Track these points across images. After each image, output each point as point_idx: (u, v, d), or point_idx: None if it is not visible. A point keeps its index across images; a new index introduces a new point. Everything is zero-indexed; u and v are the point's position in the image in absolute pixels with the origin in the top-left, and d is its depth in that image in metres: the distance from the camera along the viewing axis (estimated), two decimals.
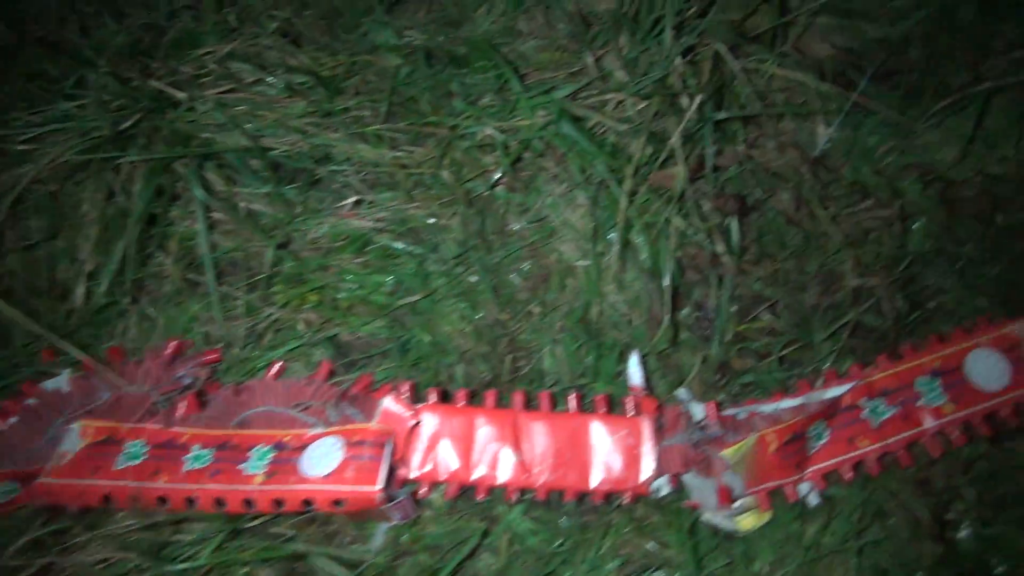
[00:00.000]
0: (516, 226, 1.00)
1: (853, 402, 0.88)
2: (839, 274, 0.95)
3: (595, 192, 0.96)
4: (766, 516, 0.86)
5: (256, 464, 0.81)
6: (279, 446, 0.83)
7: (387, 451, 0.81)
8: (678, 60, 0.90)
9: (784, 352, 0.94)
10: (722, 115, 0.90)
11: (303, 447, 0.83)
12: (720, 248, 0.92)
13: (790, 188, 0.96)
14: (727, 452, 0.83)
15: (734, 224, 0.95)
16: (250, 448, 0.83)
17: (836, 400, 0.88)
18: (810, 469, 0.86)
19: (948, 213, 0.96)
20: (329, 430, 0.83)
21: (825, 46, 1.07)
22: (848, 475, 0.86)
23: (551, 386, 0.94)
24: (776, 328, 0.96)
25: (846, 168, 0.99)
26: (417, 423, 0.85)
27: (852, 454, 0.86)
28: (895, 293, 0.95)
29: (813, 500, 0.87)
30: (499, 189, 1.00)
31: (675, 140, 0.86)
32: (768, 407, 0.90)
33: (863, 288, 0.94)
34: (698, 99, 0.85)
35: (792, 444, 0.86)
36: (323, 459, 0.80)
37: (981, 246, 0.95)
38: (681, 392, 0.92)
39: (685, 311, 0.97)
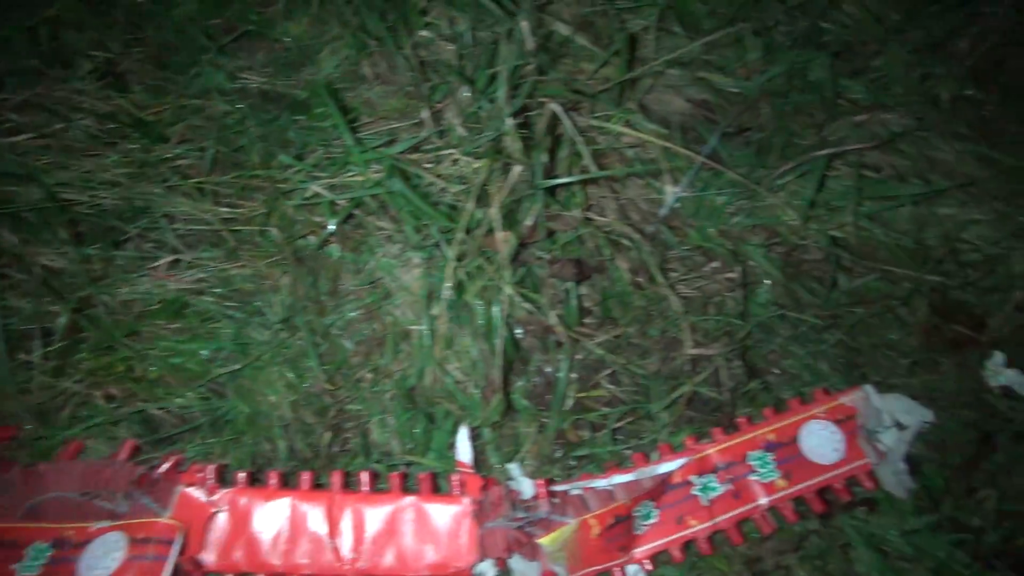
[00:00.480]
0: (349, 287, 0.95)
1: (684, 478, 0.85)
2: (680, 341, 0.92)
3: (430, 254, 0.92)
4: None
5: (29, 565, 0.74)
6: (59, 543, 0.76)
7: (174, 549, 0.74)
8: (510, 121, 0.85)
9: (621, 423, 0.91)
10: (548, 183, 0.85)
11: (86, 543, 0.75)
12: (554, 316, 0.88)
13: (631, 252, 0.92)
14: (544, 540, 0.79)
15: (572, 290, 0.91)
16: (27, 545, 0.76)
17: (666, 477, 0.85)
18: (638, 550, 0.83)
19: (791, 277, 0.94)
20: (114, 524, 0.76)
21: (679, 100, 1.05)
22: (677, 555, 0.83)
23: (378, 461, 0.89)
24: (617, 397, 0.93)
25: (693, 230, 0.96)
26: (216, 511, 0.79)
27: (681, 534, 0.83)
28: (734, 361, 0.92)
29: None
30: (331, 247, 0.95)
31: (494, 211, 0.81)
32: (601, 482, 0.86)
33: (701, 357, 0.91)
34: (518, 169, 0.81)
35: (616, 527, 0.82)
36: (102, 559, 0.73)
37: (823, 312, 0.94)
38: (512, 467, 0.87)
39: (523, 380, 0.93)
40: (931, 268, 0.93)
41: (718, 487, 0.85)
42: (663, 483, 0.85)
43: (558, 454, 0.90)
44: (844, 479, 0.86)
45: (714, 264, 0.96)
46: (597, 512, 0.82)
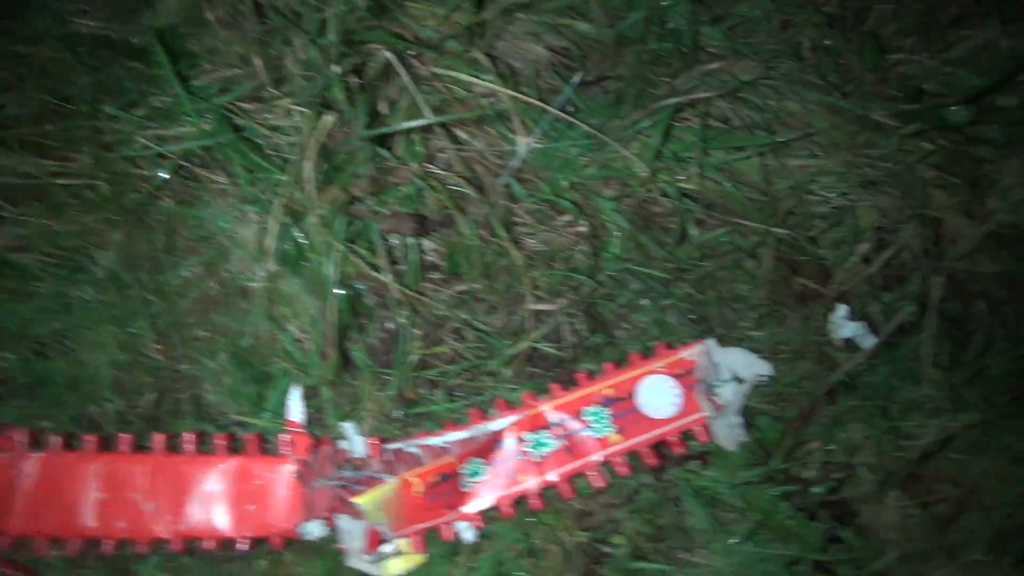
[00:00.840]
0: (184, 244, 0.91)
1: (516, 435, 0.84)
2: (524, 296, 0.90)
3: (265, 208, 0.88)
4: (418, 559, 0.82)
5: None
6: None
7: None
8: (335, 68, 0.82)
9: (462, 380, 0.90)
10: (371, 132, 0.82)
11: None
12: (389, 274, 0.86)
13: (477, 205, 0.90)
14: (360, 500, 0.78)
15: (411, 245, 0.89)
16: None
17: (497, 434, 0.84)
18: (466, 507, 0.82)
19: (641, 230, 0.93)
20: None
21: (537, 47, 1.01)
22: (507, 511, 0.83)
23: (210, 422, 0.87)
24: (460, 354, 0.91)
25: (544, 182, 0.94)
26: (23, 474, 0.77)
27: (511, 490, 0.83)
28: (578, 317, 0.91)
29: (469, 538, 0.83)
30: (164, 202, 0.91)
31: (307, 164, 0.78)
32: (436, 440, 0.85)
33: (544, 312, 0.90)
34: (329, 119, 0.78)
35: (441, 485, 0.82)
36: None
37: (671, 265, 0.92)
38: (346, 426, 0.86)
39: (365, 337, 0.91)
40: (779, 220, 0.92)
41: (551, 443, 0.84)
42: (493, 440, 0.84)
43: (397, 412, 0.88)
44: (679, 433, 0.86)
45: (565, 218, 0.94)
46: (419, 470, 0.81)
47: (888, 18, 1.00)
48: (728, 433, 0.85)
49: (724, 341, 0.91)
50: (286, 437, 0.83)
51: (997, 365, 0.89)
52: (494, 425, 0.84)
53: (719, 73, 0.92)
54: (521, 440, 0.84)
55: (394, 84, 0.89)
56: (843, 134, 0.92)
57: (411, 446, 0.85)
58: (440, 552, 0.82)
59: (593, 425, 0.85)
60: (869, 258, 0.93)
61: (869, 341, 0.90)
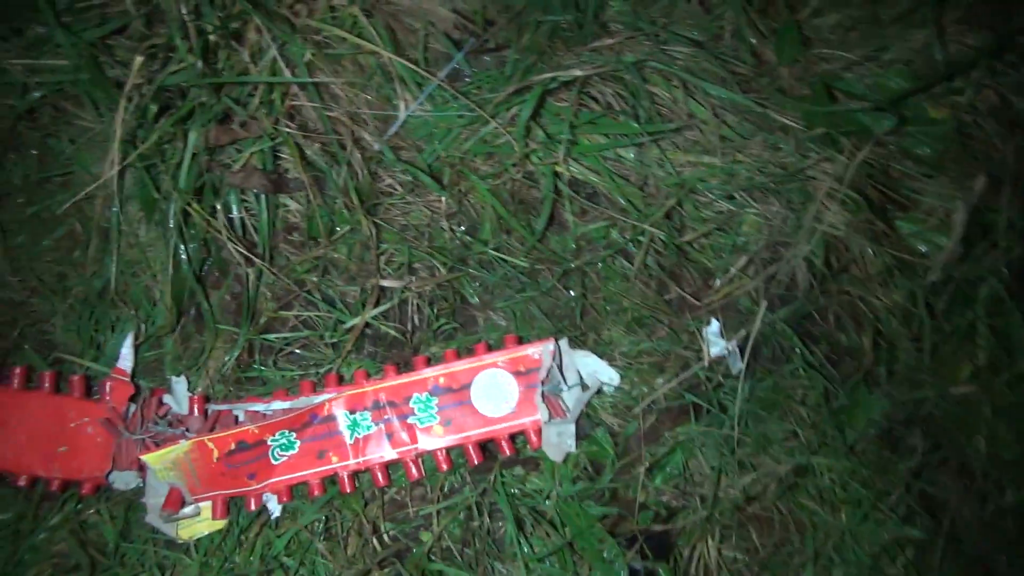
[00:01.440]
0: (57, 180, 0.91)
1: (332, 413, 0.81)
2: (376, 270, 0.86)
3: (125, 151, 0.86)
4: (217, 525, 0.80)
5: None
6: None
7: None
8: (182, 9, 0.78)
9: (302, 350, 0.87)
10: (207, 80, 0.79)
11: None
12: (226, 236, 0.83)
13: (343, 169, 0.86)
14: (148, 457, 0.76)
15: (264, 202, 0.86)
16: None
17: (314, 409, 0.81)
18: (273, 480, 0.80)
19: (513, 214, 0.87)
20: None
21: (443, 9, 0.95)
22: (314, 490, 0.80)
23: (46, 358, 0.87)
24: (307, 322, 0.88)
25: (418, 152, 0.89)
26: None
27: (320, 468, 0.80)
28: (432, 298, 0.86)
29: (274, 511, 0.81)
30: (34, 134, 0.90)
31: (118, 117, 0.76)
32: (261, 406, 0.83)
33: (392, 289, 0.86)
34: (138, 61, 0.75)
35: (240, 454, 0.79)
36: None
37: (542, 256, 0.86)
38: (175, 381, 0.85)
39: (219, 293, 0.89)
40: (657, 220, 0.84)
41: (370, 426, 0.81)
42: (312, 414, 0.81)
43: (234, 372, 0.86)
44: (509, 434, 0.81)
45: (435, 194, 0.89)
46: (216, 435, 0.79)
47: (826, 9, 0.90)
48: (557, 442, 0.80)
49: (579, 343, 0.85)
50: (106, 384, 0.82)
51: (870, 409, 0.80)
52: (318, 399, 0.81)
53: (605, 51, 0.85)
54: (341, 419, 0.81)
55: (263, 37, 0.85)
56: (739, 132, 0.83)
57: (236, 409, 0.83)
58: (242, 523, 0.80)
59: (418, 413, 0.81)
60: (751, 271, 0.85)
61: (738, 364, 0.83)
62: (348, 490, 0.80)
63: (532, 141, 0.86)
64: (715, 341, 0.84)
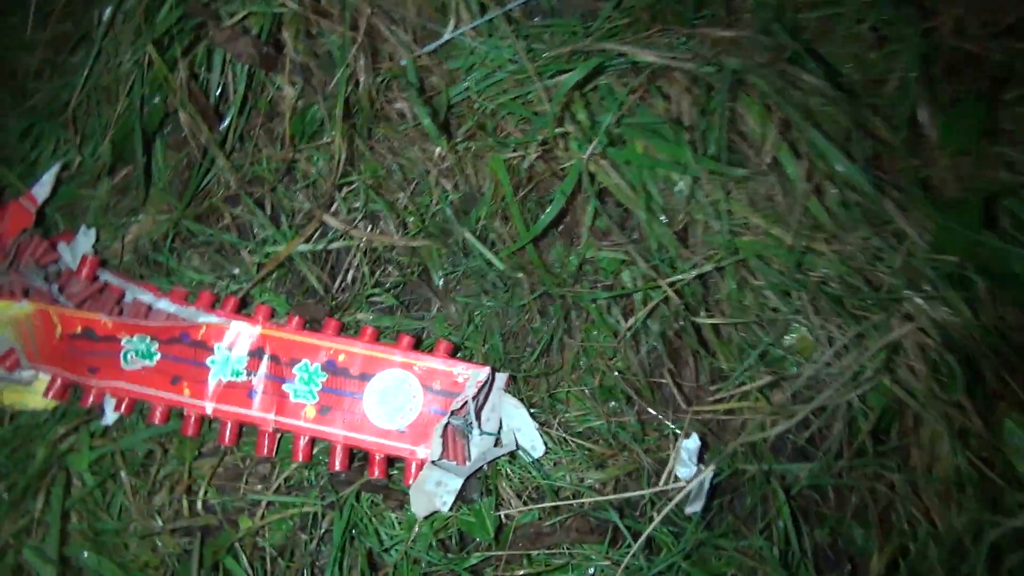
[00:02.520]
0: None
1: (208, 341, 0.67)
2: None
3: None
4: (44, 403, 0.69)
5: None
6: None
7: None
8: None
9: (223, 257, 0.73)
10: None
11: None
12: (187, 97, 0.70)
13: (341, 70, 0.70)
14: None
15: (243, 73, 0.71)
16: None
17: (190, 328, 0.67)
18: (116, 383, 0.67)
19: (517, 192, 0.68)
20: None
21: None
22: (157, 415, 0.67)
23: None
24: (244, 228, 0.74)
25: (451, 86, 0.71)
26: None
27: (168, 395, 0.66)
28: (376, 258, 0.70)
29: (108, 418, 0.69)
30: None
31: None
32: (147, 296, 0.70)
33: (335, 230, 0.70)
34: None
35: (87, 342, 0.67)
36: None
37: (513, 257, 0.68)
38: (85, 232, 0.74)
39: (174, 161, 0.76)
40: (685, 282, 0.63)
41: (241, 373, 0.66)
42: (181, 331, 0.67)
43: (149, 248, 0.74)
44: (388, 455, 0.64)
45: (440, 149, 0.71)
46: (63, 311, 0.67)
47: None
48: (431, 491, 0.62)
49: (518, 390, 0.66)
50: (8, 206, 0.72)
51: None
52: (202, 318, 0.68)
53: (708, 42, 0.62)
54: (215, 351, 0.67)
55: None
56: (835, 212, 0.59)
57: (128, 289, 0.71)
58: (69, 415, 0.68)
59: (297, 384, 0.66)
60: (775, 397, 0.62)
61: (696, 505, 0.61)
62: (190, 433, 0.66)
63: (572, 123, 0.66)
64: (686, 462, 0.62)
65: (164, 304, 0.70)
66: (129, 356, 0.67)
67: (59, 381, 0.69)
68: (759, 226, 0.62)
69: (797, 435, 0.62)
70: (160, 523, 0.64)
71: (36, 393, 0.69)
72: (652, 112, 0.63)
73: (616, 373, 0.66)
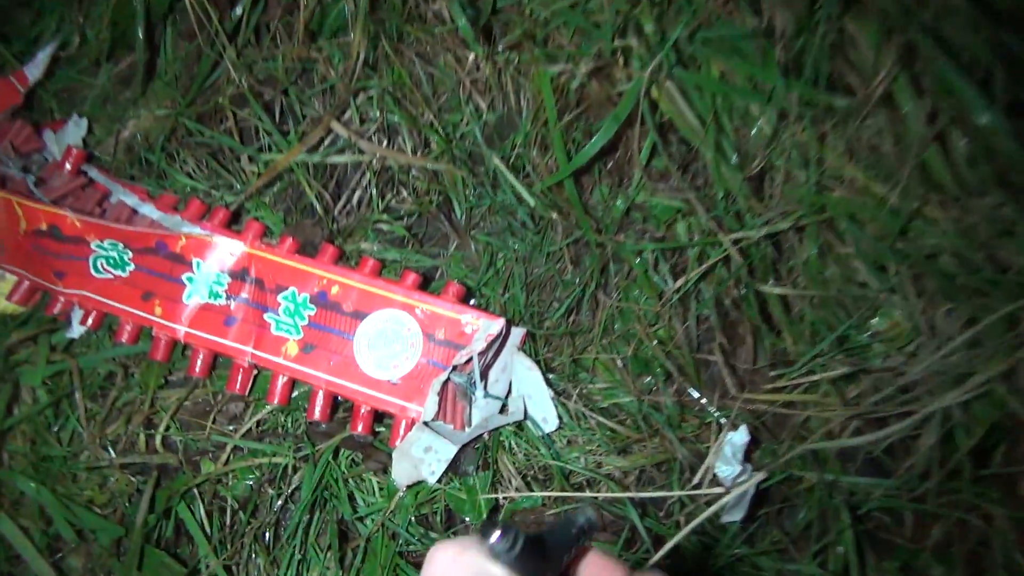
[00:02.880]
0: None
1: (187, 255, 0.58)
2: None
3: None
4: (12, 308, 0.61)
5: None
6: None
7: None
8: None
9: (218, 163, 0.64)
10: None
11: None
12: None
13: None
14: None
15: None
16: None
17: (168, 238, 0.58)
18: (83, 292, 0.59)
19: (565, 116, 0.57)
20: None
21: None
22: (125, 332, 0.59)
23: None
24: (246, 132, 0.65)
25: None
26: None
27: (140, 313, 0.58)
28: (388, 179, 0.60)
29: (74, 330, 0.61)
30: None
31: None
32: (132, 199, 0.62)
33: (343, 138, 0.60)
34: None
35: (52, 241, 0.59)
36: None
37: (548, 194, 0.57)
38: (76, 122, 0.66)
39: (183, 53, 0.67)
40: (756, 240, 0.51)
41: (220, 296, 0.57)
42: (157, 241, 0.58)
43: (142, 147, 0.66)
44: (373, 407, 0.54)
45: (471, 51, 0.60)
46: (29, 203, 0.59)
47: None
48: (419, 458, 0.52)
49: (536, 351, 0.56)
50: None
51: None
52: (185, 228, 0.59)
53: None
54: (194, 268, 0.58)
55: None
56: (965, 178, 0.46)
57: (112, 185, 0.63)
58: (33, 320, 0.61)
59: (282, 315, 0.57)
60: (850, 392, 0.50)
61: (736, 515, 0.49)
62: (159, 357, 0.58)
63: (636, 36, 0.54)
64: (730, 459, 0.51)
65: (149, 210, 0.61)
66: (99, 263, 0.59)
67: (25, 284, 0.61)
68: (856, 180, 0.49)
69: (874, 443, 0.49)
70: (112, 456, 0.56)
71: (4, 292, 0.61)
72: (736, 25, 0.50)
73: (656, 343, 0.54)
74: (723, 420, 0.52)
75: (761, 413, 0.52)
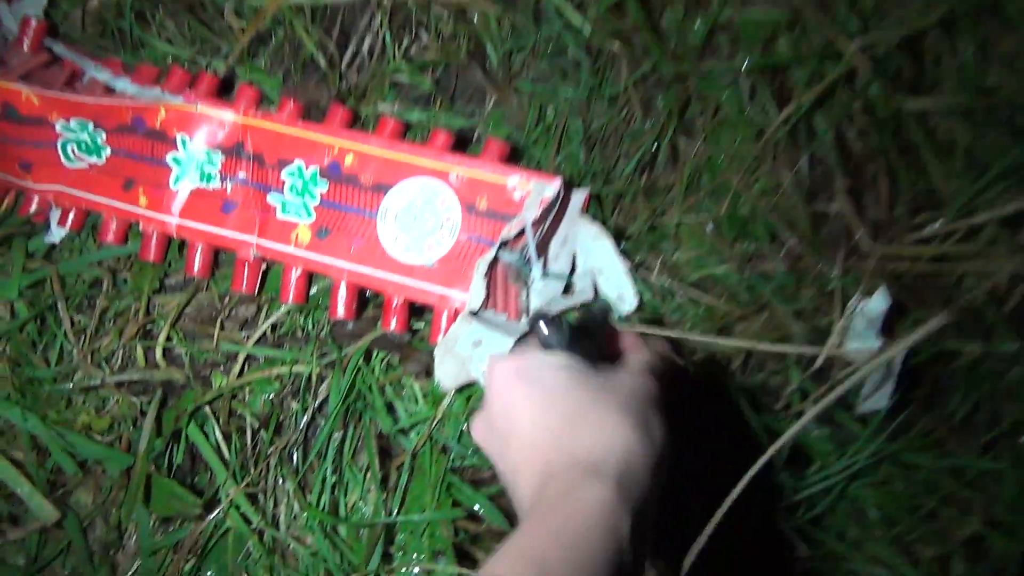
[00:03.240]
0: None
1: (172, 133, 0.48)
2: None
3: None
4: None
5: None
6: None
7: None
8: None
9: (202, 23, 0.53)
10: None
11: None
12: None
13: None
14: None
15: None
16: None
17: (145, 111, 0.48)
18: (55, 186, 0.50)
19: None
20: None
21: None
22: (110, 234, 0.49)
23: None
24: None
25: None
26: None
27: (124, 205, 0.49)
28: (406, 21, 0.48)
29: (53, 234, 0.52)
30: None
31: None
32: (104, 75, 0.51)
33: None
34: None
35: (9, 124, 0.50)
36: None
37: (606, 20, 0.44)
38: None
39: None
40: (891, 48, 0.38)
41: (213, 177, 0.47)
42: (133, 117, 0.48)
43: (121, 18, 0.55)
44: (407, 298, 0.44)
45: None
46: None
47: None
48: (466, 355, 0.42)
49: (605, 216, 0.44)
50: None
51: None
52: (168, 97, 0.48)
53: None
54: (180, 147, 0.48)
55: None
56: None
57: (81, 61, 0.53)
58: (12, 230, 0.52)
59: (288, 194, 0.46)
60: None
61: (882, 399, 0.38)
62: (150, 257, 0.49)
63: None
64: (863, 333, 0.39)
65: (124, 84, 0.51)
66: (70, 149, 0.50)
67: None
68: None
69: None
70: (108, 374, 0.47)
71: None
72: None
73: (757, 196, 0.42)
74: (853, 286, 0.40)
75: (902, 273, 0.40)
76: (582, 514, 0.26)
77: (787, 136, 0.42)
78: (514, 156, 0.46)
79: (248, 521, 0.45)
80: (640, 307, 0.42)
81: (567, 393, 0.30)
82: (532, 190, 0.43)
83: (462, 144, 0.48)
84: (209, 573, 0.46)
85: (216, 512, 0.44)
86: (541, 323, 0.32)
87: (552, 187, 0.43)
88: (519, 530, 0.27)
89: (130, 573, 0.48)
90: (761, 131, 0.42)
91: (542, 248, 0.44)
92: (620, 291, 0.42)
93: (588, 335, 0.33)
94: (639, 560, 0.28)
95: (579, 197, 0.44)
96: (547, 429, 0.30)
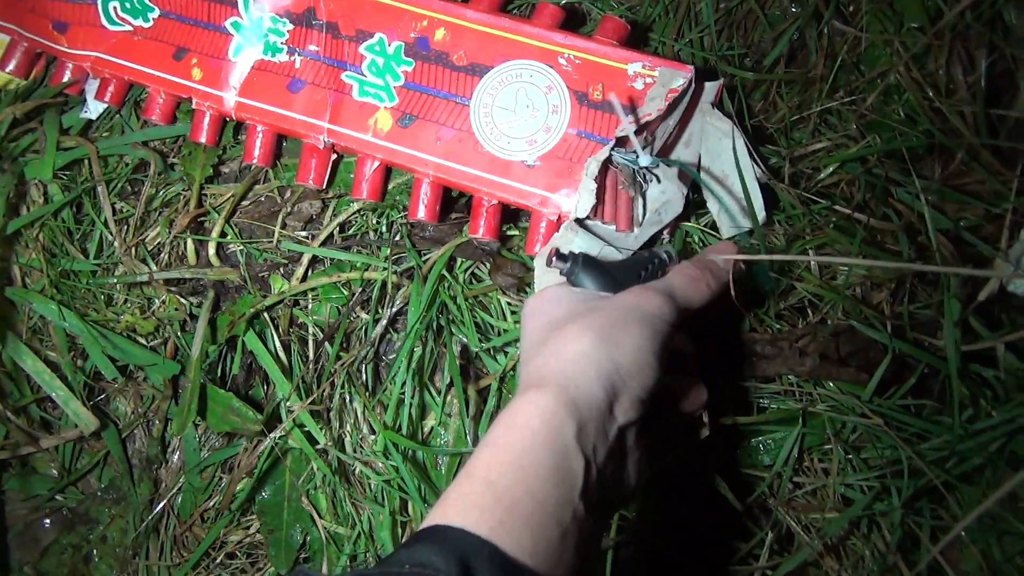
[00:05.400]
0: None
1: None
2: None
3: None
4: (6, 80, 0.46)
5: None
6: None
7: None
8: None
9: None
10: None
11: None
12: None
13: None
14: None
15: None
16: None
17: None
18: (95, 53, 0.43)
19: None
20: None
21: None
22: (156, 111, 0.43)
23: None
24: None
25: None
26: None
27: (173, 78, 0.42)
28: None
29: (90, 108, 0.46)
30: None
31: None
32: None
33: None
34: None
35: None
36: None
37: None
38: None
39: None
40: None
41: (280, 49, 0.41)
42: None
43: None
44: (502, 200, 0.39)
45: None
46: None
47: None
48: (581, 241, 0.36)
49: (745, 119, 0.38)
50: None
51: None
52: None
53: None
54: (237, 6, 0.41)
55: None
56: None
57: None
58: (31, 100, 0.45)
59: (366, 73, 0.40)
60: None
61: None
62: (204, 139, 0.42)
63: None
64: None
65: None
66: (112, 8, 0.43)
67: (22, 47, 0.45)
68: None
69: None
70: (154, 271, 0.42)
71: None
72: None
73: (922, 94, 0.36)
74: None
75: None
76: (521, 420, 0.28)
77: (960, 26, 0.35)
78: (634, 38, 0.40)
79: (314, 441, 0.40)
80: (770, 222, 0.36)
81: (550, 321, 0.31)
82: (657, 78, 0.37)
83: (574, 22, 0.41)
84: (265, 494, 0.42)
85: (277, 430, 0.40)
86: (555, 259, 0.33)
87: (681, 76, 0.36)
88: (473, 452, 0.28)
89: (175, 490, 0.44)
90: (935, 17, 0.36)
91: (666, 150, 0.38)
92: (747, 202, 0.36)
93: (616, 270, 0.33)
94: (601, 468, 0.28)
95: (712, 88, 0.38)
96: (524, 361, 0.32)
